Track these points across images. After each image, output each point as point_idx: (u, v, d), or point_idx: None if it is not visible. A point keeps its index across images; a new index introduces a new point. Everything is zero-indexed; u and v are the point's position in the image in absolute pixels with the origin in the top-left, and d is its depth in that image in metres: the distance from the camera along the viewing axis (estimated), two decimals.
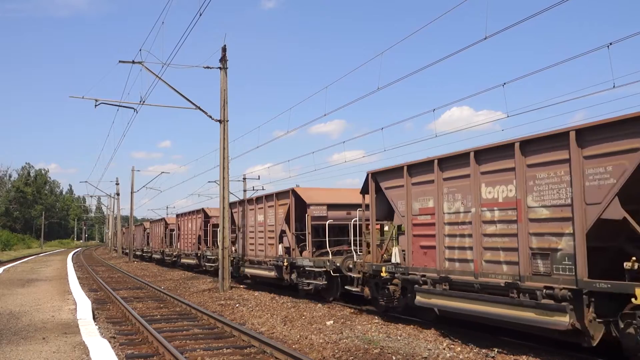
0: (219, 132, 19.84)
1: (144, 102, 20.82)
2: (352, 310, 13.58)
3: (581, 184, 7.75)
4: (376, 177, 12.63)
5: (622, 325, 7.30)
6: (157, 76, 19.22)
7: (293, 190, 17.18)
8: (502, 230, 9.03)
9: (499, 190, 9.13)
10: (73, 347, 8.70)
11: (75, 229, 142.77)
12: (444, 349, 9.16)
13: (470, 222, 9.65)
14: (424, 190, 10.94)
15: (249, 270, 20.12)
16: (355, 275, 13.46)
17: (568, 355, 8.40)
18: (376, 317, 12.43)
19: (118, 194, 63.05)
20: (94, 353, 8.17)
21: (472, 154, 9.62)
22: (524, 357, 8.49)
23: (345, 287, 14.26)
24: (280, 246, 17.66)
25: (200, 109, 19.93)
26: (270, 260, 18.22)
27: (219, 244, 19.91)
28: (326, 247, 15.72)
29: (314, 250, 16.55)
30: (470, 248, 9.61)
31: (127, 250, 50.46)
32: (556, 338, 8.33)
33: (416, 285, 10.82)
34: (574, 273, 7.76)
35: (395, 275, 11.56)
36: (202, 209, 28.94)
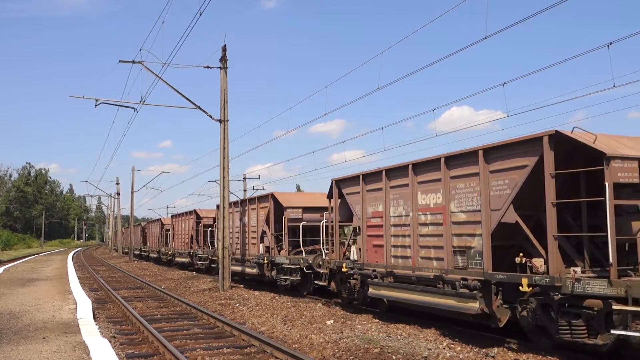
0: (219, 132, 19.85)
1: (144, 101, 20.84)
2: (348, 310, 13.60)
3: (487, 193, 9.37)
4: (339, 184, 14.18)
5: (519, 309, 8.81)
6: (157, 76, 19.24)
7: (272, 195, 19.02)
8: (433, 231, 10.65)
9: (430, 198, 10.75)
10: (73, 347, 8.70)
11: (76, 228, 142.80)
12: (444, 348, 9.17)
13: (409, 225, 11.25)
14: (375, 196, 12.54)
15: (234, 268, 21.18)
16: (323, 271, 14.92)
17: (567, 355, 8.40)
18: (376, 317, 12.44)
19: (118, 194, 63.09)
20: (94, 353, 8.17)
21: (410, 167, 11.23)
22: (524, 356, 8.50)
23: (315, 282, 15.73)
24: (261, 245, 19.33)
25: (201, 109, 19.94)
26: (252, 259, 19.95)
27: (219, 243, 19.96)
28: (300, 247, 17.36)
29: (291, 249, 18.13)
30: (409, 246, 11.22)
31: (127, 250, 50.67)
32: (472, 321, 9.82)
33: (369, 279, 12.42)
34: (482, 267, 9.33)
35: (354, 270, 13.20)
36: (194, 210, 30.19)
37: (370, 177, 12.75)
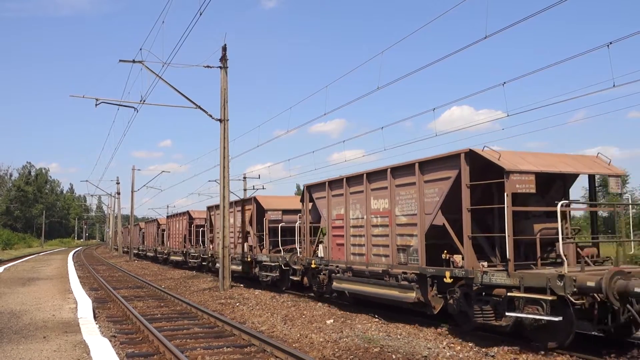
0: (219, 132, 19.85)
1: (144, 101, 20.82)
2: (348, 310, 13.62)
3: (422, 200, 11.01)
4: (310, 189, 15.87)
5: (448, 298, 10.34)
6: (157, 75, 19.24)
7: (255, 198, 21.05)
8: (382, 232, 12.28)
9: (380, 203, 12.36)
10: (74, 346, 8.72)
11: (76, 228, 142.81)
12: (443, 347, 9.18)
13: (364, 226, 12.89)
14: (338, 201, 14.19)
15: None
16: (297, 268, 16.66)
17: (564, 354, 8.41)
18: (376, 316, 12.45)
19: (119, 193, 63.13)
20: (95, 352, 8.19)
21: (365, 176, 12.86)
22: (523, 356, 8.51)
23: (290, 277, 17.35)
24: (245, 245, 21.11)
25: (201, 108, 19.94)
26: (238, 257, 21.50)
27: (220, 242, 19.98)
28: (279, 246, 18.55)
29: (271, 248, 19.66)
30: (364, 245, 12.85)
31: (128, 249, 50.86)
32: (410, 309, 11.45)
33: (333, 274, 14.06)
34: (418, 262, 10.99)
35: (321, 266, 14.70)
36: (187, 211, 32.18)
37: (335, 183, 14.45)
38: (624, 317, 8.28)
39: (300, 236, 16.58)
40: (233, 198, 25.60)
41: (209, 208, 26.34)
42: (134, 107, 22.00)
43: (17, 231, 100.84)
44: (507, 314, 8.95)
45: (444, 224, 10.51)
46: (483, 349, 8.99)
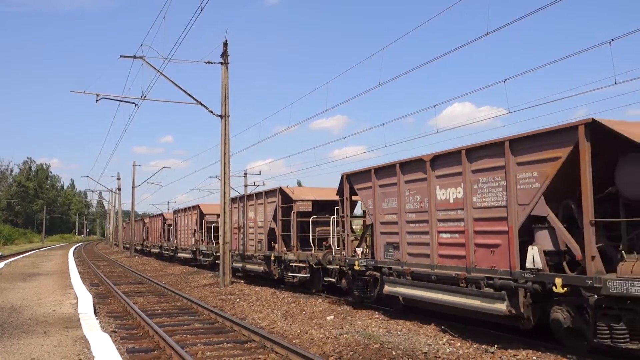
0: (220, 128, 19.83)
1: (145, 97, 20.79)
2: (349, 306, 13.62)
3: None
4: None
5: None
6: (158, 71, 19.21)
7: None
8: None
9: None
10: (74, 341, 8.73)
11: (77, 223, 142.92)
12: (443, 344, 9.18)
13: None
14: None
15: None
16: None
17: (563, 352, 8.41)
18: (376, 313, 12.46)
19: (119, 189, 63.15)
20: (95, 347, 8.20)
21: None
22: (523, 352, 8.51)
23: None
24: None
25: (202, 104, 19.93)
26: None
27: (220, 239, 19.97)
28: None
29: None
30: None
31: (128, 245, 50.79)
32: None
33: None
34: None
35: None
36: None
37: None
38: None
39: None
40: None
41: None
42: (134, 103, 21.94)
43: (17, 227, 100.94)
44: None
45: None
46: (483, 345, 8.99)
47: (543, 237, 8.52)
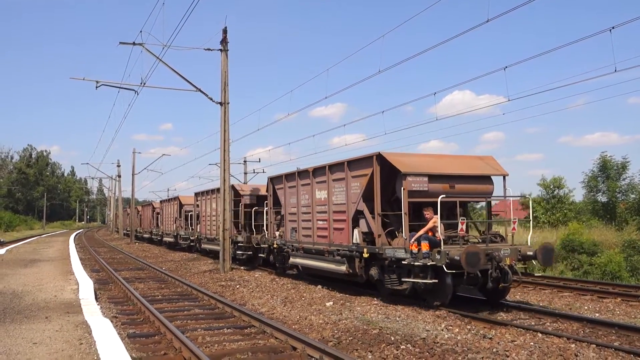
0: (220, 115, 19.82)
1: (144, 84, 20.74)
2: (348, 293, 13.72)
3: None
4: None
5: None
6: (157, 58, 19.15)
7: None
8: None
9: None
10: (75, 326, 8.81)
11: (77, 210, 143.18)
12: (442, 329, 9.26)
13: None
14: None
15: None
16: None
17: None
18: (375, 299, 12.55)
19: (119, 176, 63.25)
20: (96, 332, 8.27)
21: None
22: (521, 338, 8.60)
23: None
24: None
25: (201, 91, 19.89)
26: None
27: (220, 225, 20.07)
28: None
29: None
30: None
31: (129, 232, 51.12)
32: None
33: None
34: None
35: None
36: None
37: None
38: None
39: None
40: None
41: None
42: (134, 90, 21.93)
43: (18, 213, 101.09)
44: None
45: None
46: (481, 331, 9.07)
47: (362, 223, 12.95)
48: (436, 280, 10.81)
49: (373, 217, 12.23)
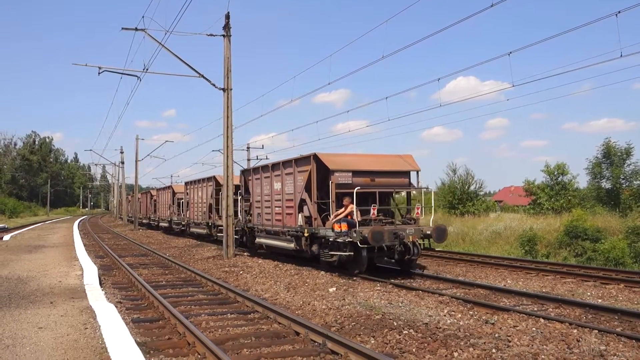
0: (223, 101, 19.75)
1: (147, 69, 20.63)
2: (351, 278, 13.77)
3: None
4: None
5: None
6: (160, 43, 19.06)
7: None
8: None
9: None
10: (80, 311, 8.87)
11: (81, 197, 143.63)
12: (444, 315, 9.29)
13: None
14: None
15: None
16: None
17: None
18: (378, 285, 12.59)
19: (123, 163, 63.24)
20: (101, 317, 8.32)
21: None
22: (523, 324, 8.62)
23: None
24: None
25: (204, 77, 19.81)
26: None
27: (223, 211, 20.11)
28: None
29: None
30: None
31: (132, 218, 51.31)
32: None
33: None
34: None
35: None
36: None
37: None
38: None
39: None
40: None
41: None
42: (137, 76, 21.81)
43: (22, 200, 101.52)
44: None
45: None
46: (483, 317, 9.10)
47: (305, 209, 15.77)
48: (353, 253, 13.66)
49: (312, 204, 15.16)
